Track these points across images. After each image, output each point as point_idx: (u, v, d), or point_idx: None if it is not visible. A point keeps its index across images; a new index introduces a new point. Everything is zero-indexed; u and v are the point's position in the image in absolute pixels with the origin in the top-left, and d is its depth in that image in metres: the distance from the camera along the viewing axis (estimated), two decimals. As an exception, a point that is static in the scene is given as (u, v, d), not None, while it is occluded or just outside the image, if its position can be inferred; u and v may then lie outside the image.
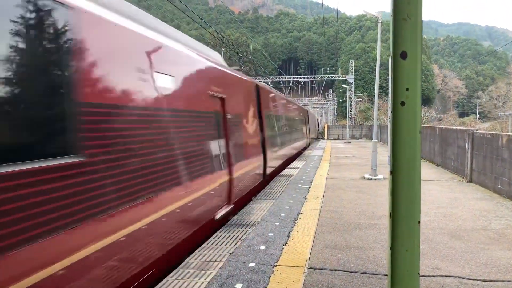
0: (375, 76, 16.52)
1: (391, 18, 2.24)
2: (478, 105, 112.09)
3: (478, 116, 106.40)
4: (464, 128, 15.92)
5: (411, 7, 2.17)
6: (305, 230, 7.23)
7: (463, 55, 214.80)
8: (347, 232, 7.27)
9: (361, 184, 12.89)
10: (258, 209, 8.94)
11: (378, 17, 16.62)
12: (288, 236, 6.85)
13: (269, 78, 62.00)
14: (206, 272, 5.17)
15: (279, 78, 67.17)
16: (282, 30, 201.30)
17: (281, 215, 8.39)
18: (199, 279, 4.94)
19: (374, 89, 16.27)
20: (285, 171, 15.62)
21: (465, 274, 5.30)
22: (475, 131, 13.57)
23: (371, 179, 14.05)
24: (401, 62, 2.22)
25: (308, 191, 11.32)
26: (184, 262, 5.52)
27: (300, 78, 67.47)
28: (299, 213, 8.55)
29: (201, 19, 25.63)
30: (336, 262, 5.67)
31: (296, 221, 7.87)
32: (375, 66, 16.66)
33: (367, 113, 75.14)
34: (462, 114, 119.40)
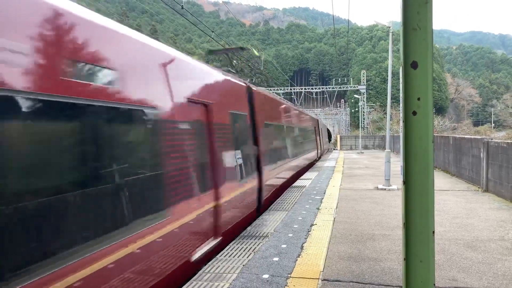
0: (387, 86, 16.47)
1: (401, 28, 2.24)
2: (492, 113, 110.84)
3: (493, 124, 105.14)
4: (479, 137, 15.73)
5: (421, 17, 2.18)
6: (318, 242, 7.18)
7: (477, 64, 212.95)
8: (361, 243, 7.21)
9: (374, 195, 12.79)
10: (271, 220, 8.91)
11: (389, 27, 16.62)
12: (302, 247, 6.81)
13: (280, 90, 62.16)
14: (219, 284, 5.15)
15: (291, 89, 67.33)
16: (293, 42, 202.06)
17: (294, 226, 8.35)
18: (213, 291, 4.93)
19: (387, 99, 16.20)
20: (298, 182, 15.57)
21: (483, 286, 5.20)
22: (490, 140, 13.41)
23: (385, 189, 13.93)
24: (412, 72, 2.23)
25: (321, 202, 11.26)
26: (198, 275, 5.52)
27: (312, 88, 67.52)
28: (312, 224, 8.50)
29: (212, 32, 25.90)
30: (350, 274, 5.61)
31: (310, 233, 7.82)
32: (387, 76, 16.61)
33: (380, 123, 74.74)
34: (476, 123, 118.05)
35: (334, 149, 52.00)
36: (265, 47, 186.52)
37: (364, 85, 60.25)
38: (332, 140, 58.41)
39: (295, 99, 74.36)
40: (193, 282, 5.23)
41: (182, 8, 15.96)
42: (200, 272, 5.62)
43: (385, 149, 15.80)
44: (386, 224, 8.71)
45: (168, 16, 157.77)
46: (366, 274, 5.60)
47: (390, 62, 16.11)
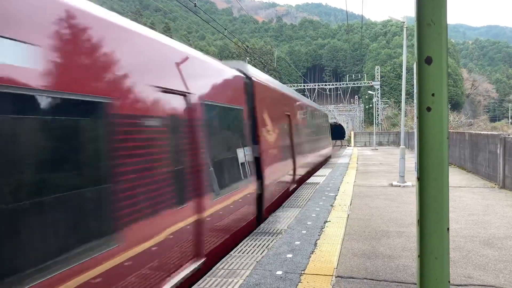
0: (401, 81, 16.32)
1: (415, 23, 2.22)
2: (510, 109, 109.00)
3: (510, 120, 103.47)
4: (495, 133, 15.50)
5: (435, 12, 2.16)
6: (332, 238, 7.17)
7: (493, 58, 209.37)
8: (375, 240, 7.17)
9: (389, 192, 12.70)
10: (285, 217, 8.92)
11: (404, 22, 16.44)
12: (315, 244, 6.80)
13: (294, 86, 62.01)
14: (233, 280, 5.18)
15: (304, 85, 67.10)
16: (306, 38, 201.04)
17: (308, 223, 8.34)
18: (227, 287, 4.96)
19: (401, 95, 16.05)
20: (311, 179, 15.53)
21: (499, 283, 5.14)
22: (507, 135, 13.20)
23: (399, 186, 13.82)
24: (426, 67, 2.20)
25: (335, 199, 11.22)
26: (212, 271, 5.55)
27: (325, 85, 67.20)
28: (326, 221, 8.48)
29: (225, 29, 25.94)
30: (364, 271, 5.59)
31: (323, 229, 7.81)
32: (402, 71, 16.47)
33: (394, 119, 74.10)
34: (493, 119, 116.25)
35: (348, 145, 51.76)
36: (278, 44, 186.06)
37: (378, 81, 59.77)
38: (346, 137, 58.06)
39: (308, 95, 74.08)
40: (207, 279, 5.26)
41: (195, 6, 16.01)
42: (214, 268, 5.66)
43: (399, 145, 15.67)
44: (400, 221, 8.65)
45: (181, 14, 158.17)
46: (380, 271, 5.57)
47: (404, 57, 15.95)
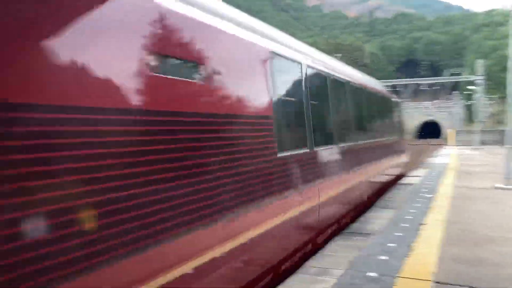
0: (507, 75, 15.02)
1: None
2: None
3: None
4: None
5: (557, 0, 1.98)
6: (429, 242, 6.83)
7: None
8: (477, 246, 6.70)
9: (492, 194, 11.79)
10: (377, 218, 8.69)
11: (511, 11, 15.11)
12: (411, 247, 6.53)
13: (385, 82, 59.91)
14: (325, 278, 5.17)
15: (396, 82, 64.56)
16: (400, 32, 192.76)
17: (402, 225, 8.04)
18: (319, 285, 4.96)
19: (506, 90, 14.77)
20: (406, 180, 14.95)
21: None
22: None
23: (504, 188, 12.76)
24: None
25: (432, 200, 10.67)
26: (302, 267, 5.61)
27: (421, 80, 64.06)
28: (422, 224, 8.11)
29: (314, 27, 25.82)
30: (466, 278, 5.25)
31: (419, 232, 7.47)
32: (507, 64, 15.16)
33: (500, 116, 68.37)
34: None
35: (445, 144, 48.97)
36: (369, 39, 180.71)
37: (481, 75, 55.47)
38: (443, 135, 54.78)
39: (402, 91, 71.08)
40: (299, 275, 5.32)
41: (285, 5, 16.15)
42: (306, 264, 5.70)
43: (504, 144, 14.49)
44: (507, 226, 7.99)
45: (271, 14, 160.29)
46: (484, 280, 5.19)
47: (510, 49, 14.65)
